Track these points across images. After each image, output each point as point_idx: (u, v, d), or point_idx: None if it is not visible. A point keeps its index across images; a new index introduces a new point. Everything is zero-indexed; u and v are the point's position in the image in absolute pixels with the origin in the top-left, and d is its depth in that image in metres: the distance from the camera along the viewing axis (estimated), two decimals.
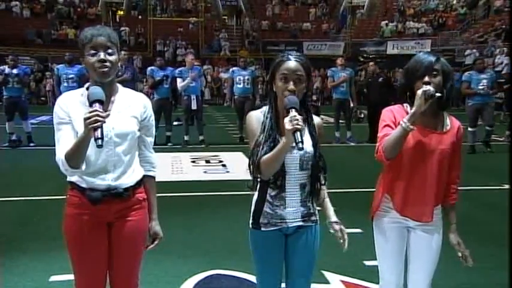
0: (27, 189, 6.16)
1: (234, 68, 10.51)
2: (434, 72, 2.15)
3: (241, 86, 9.99)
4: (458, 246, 2.28)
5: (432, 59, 2.17)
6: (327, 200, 2.24)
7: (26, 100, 9.91)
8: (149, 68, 10.10)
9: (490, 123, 9.17)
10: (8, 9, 26.75)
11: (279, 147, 1.96)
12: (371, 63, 11.33)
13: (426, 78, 2.13)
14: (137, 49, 24.71)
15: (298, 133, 1.85)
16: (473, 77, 8.95)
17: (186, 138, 9.72)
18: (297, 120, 1.86)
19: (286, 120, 1.88)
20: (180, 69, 9.79)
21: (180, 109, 10.45)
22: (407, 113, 2.19)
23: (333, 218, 2.19)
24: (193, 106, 9.54)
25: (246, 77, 9.99)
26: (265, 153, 2.00)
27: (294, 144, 1.90)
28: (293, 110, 1.91)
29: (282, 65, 2.05)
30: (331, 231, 2.17)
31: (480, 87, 8.78)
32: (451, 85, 2.21)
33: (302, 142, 1.86)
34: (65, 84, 9.12)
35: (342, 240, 2.14)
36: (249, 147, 2.09)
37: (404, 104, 2.27)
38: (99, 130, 1.80)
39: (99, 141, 1.80)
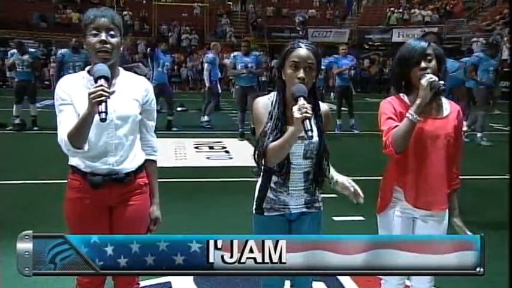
0: (31, 173, 6.17)
1: (236, 53, 9.08)
2: (429, 57, 2.11)
3: (244, 74, 8.74)
4: (460, 228, 2.25)
5: (424, 44, 2.14)
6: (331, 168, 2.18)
7: (35, 84, 9.97)
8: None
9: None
10: None
11: (287, 136, 1.93)
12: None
13: (422, 64, 2.09)
14: (141, 34, 24.62)
15: (308, 121, 1.83)
16: None
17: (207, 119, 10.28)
18: (306, 108, 1.84)
19: (295, 109, 1.85)
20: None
21: (184, 94, 10.49)
22: (405, 103, 2.16)
23: (336, 175, 2.15)
24: (219, 90, 10.61)
25: (249, 64, 8.63)
26: (272, 142, 1.97)
27: (302, 134, 1.87)
28: (301, 98, 1.89)
29: (293, 52, 2.01)
30: (337, 188, 2.13)
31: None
32: (445, 69, 2.18)
33: (312, 130, 1.84)
34: (71, 71, 8.93)
35: (352, 190, 2.10)
36: (256, 134, 2.07)
37: (401, 94, 2.22)
38: (104, 104, 1.78)
39: (103, 115, 1.77)
